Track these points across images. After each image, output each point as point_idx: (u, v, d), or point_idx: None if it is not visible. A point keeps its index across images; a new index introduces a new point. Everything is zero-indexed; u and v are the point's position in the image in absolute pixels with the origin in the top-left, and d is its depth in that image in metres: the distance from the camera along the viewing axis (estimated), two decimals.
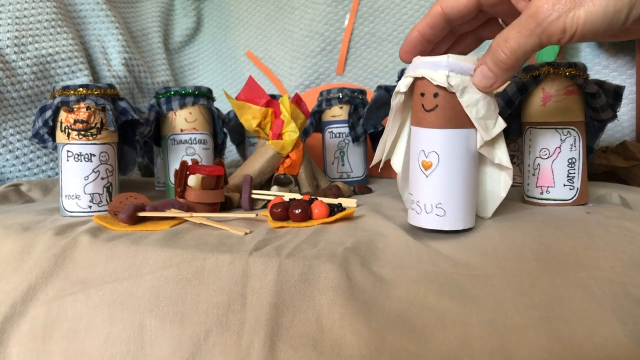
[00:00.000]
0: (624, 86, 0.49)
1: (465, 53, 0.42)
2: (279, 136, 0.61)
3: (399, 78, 0.60)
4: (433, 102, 0.36)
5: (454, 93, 0.35)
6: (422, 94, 0.37)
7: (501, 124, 0.37)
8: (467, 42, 0.42)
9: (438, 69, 0.35)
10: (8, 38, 0.77)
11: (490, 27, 0.41)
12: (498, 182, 0.40)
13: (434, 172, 0.36)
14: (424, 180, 0.37)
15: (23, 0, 0.82)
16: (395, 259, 0.34)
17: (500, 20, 0.40)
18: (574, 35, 0.31)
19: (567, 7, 0.30)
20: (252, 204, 0.57)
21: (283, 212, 0.45)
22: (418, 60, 0.37)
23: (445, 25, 0.39)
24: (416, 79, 0.37)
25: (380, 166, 0.42)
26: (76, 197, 0.53)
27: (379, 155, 0.42)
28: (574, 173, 0.46)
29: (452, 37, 0.42)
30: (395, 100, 0.39)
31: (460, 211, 0.37)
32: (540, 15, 0.31)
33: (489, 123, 0.36)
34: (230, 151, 1.02)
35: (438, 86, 0.36)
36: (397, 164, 0.41)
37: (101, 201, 0.54)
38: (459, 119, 0.36)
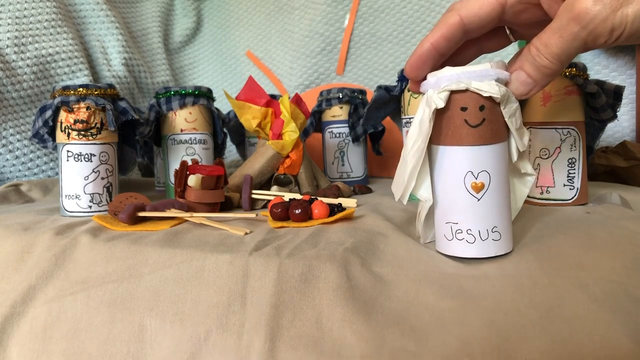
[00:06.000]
0: (624, 86, 0.49)
1: (463, 64, 0.38)
2: (279, 136, 0.61)
3: (399, 78, 0.60)
4: (480, 116, 0.32)
5: (498, 104, 0.33)
6: (464, 109, 0.33)
7: (527, 132, 0.35)
8: (469, 54, 0.39)
9: (485, 79, 0.32)
10: (8, 38, 0.77)
11: (497, 38, 0.38)
12: (513, 193, 0.38)
13: (486, 193, 0.33)
14: (476, 204, 0.33)
15: (23, 0, 0.82)
16: (395, 260, 0.34)
17: (507, 31, 0.38)
18: (621, 35, 0.29)
19: (613, 6, 0.28)
20: (252, 204, 0.57)
21: (283, 212, 0.45)
22: (456, 71, 0.33)
23: (461, 37, 0.35)
24: (453, 92, 0.33)
25: (406, 201, 0.35)
26: (76, 197, 0.53)
27: (402, 185, 0.35)
28: (574, 173, 0.46)
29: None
30: (427, 124, 0.33)
31: (510, 231, 0.34)
32: (586, 17, 0.29)
33: (522, 132, 0.34)
34: (230, 151, 1.02)
35: (486, 97, 0.32)
36: (428, 195, 0.35)
37: (101, 201, 0.54)
38: (501, 132, 0.33)
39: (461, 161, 0.33)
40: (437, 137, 0.34)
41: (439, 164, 0.34)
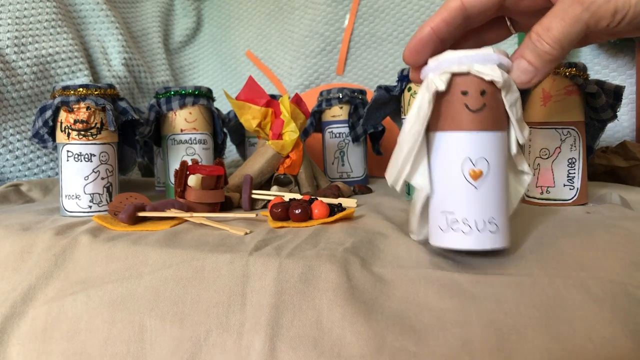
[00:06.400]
0: (624, 86, 0.49)
1: None
2: (279, 136, 0.61)
3: (399, 78, 0.60)
4: (480, 101, 0.32)
5: (499, 91, 0.32)
6: (464, 92, 0.32)
7: (527, 126, 0.35)
8: (468, 45, 0.38)
9: (488, 63, 0.31)
10: (8, 38, 0.77)
11: (497, 28, 0.38)
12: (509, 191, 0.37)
13: (484, 181, 0.32)
14: (473, 192, 0.32)
15: (23, 0, 0.82)
16: (395, 259, 0.34)
17: (508, 22, 0.38)
18: (623, 19, 0.29)
19: None
20: (252, 204, 0.57)
21: (283, 212, 0.45)
22: (458, 54, 0.32)
23: (462, 23, 0.34)
24: (454, 75, 0.32)
25: (399, 188, 0.35)
26: (76, 197, 0.53)
27: (396, 170, 0.34)
28: (574, 173, 0.46)
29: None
30: (426, 107, 0.32)
31: (507, 224, 0.33)
32: None
33: (523, 124, 0.33)
34: (230, 151, 1.02)
35: (488, 82, 0.31)
36: (423, 182, 0.34)
37: (101, 201, 0.54)
38: (501, 120, 0.32)
39: (460, 147, 0.32)
40: (435, 123, 0.33)
41: (436, 150, 0.33)
